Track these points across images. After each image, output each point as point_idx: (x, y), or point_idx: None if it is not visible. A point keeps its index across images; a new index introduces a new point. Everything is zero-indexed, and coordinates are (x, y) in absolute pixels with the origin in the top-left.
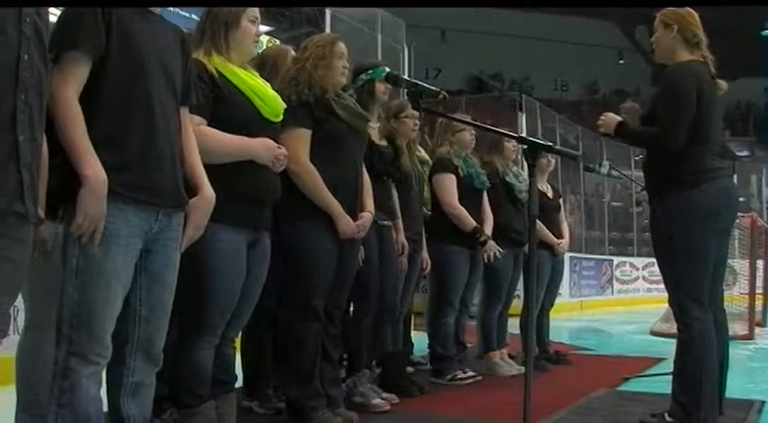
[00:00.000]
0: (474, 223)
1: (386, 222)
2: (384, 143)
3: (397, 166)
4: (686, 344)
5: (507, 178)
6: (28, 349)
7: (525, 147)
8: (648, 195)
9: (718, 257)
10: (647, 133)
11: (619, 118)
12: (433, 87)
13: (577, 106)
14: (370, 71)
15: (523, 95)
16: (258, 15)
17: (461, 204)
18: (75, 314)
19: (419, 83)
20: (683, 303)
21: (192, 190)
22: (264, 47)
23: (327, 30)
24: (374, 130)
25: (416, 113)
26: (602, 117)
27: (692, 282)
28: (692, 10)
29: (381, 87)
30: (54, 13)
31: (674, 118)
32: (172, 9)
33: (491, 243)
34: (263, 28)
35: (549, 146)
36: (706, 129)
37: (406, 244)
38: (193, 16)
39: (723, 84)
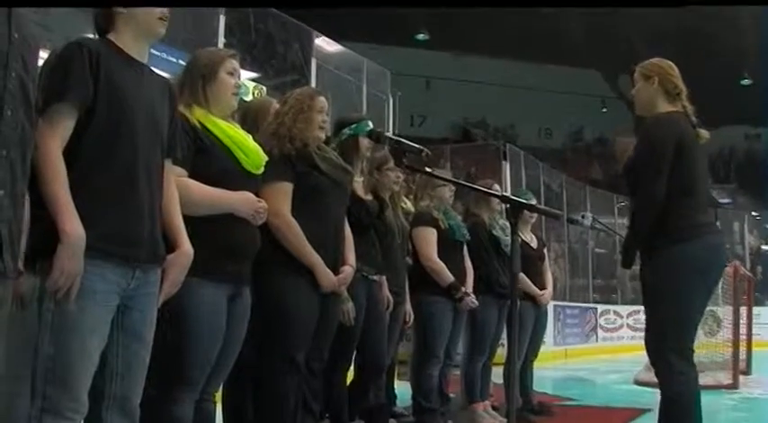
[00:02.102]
0: (451, 278)
1: (375, 277)
2: (369, 197)
3: (381, 219)
4: (671, 399)
5: (494, 231)
6: (0, 403)
7: (507, 205)
8: (639, 249)
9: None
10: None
11: None
12: (415, 145)
13: (561, 153)
14: (353, 126)
15: (507, 144)
16: (237, 67)
17: (442, 257)
18: (49, 369)
19: (402, 140)
20: (668, 358)
21: (170, 244)
22: (250, 93)
23: (313, 78)
24: (359, 184)
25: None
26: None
27: (679, 337)
28: (671, 62)
29: (365, 142)
30: (41, 57)
31: (651, 174)
32: (158, 53)
33: (468, 299)
34: (249, 74)
35: (531, 205)
36: (692, 180)
37: (391, 299)
38: (180, 61)
39: (705, 133)
